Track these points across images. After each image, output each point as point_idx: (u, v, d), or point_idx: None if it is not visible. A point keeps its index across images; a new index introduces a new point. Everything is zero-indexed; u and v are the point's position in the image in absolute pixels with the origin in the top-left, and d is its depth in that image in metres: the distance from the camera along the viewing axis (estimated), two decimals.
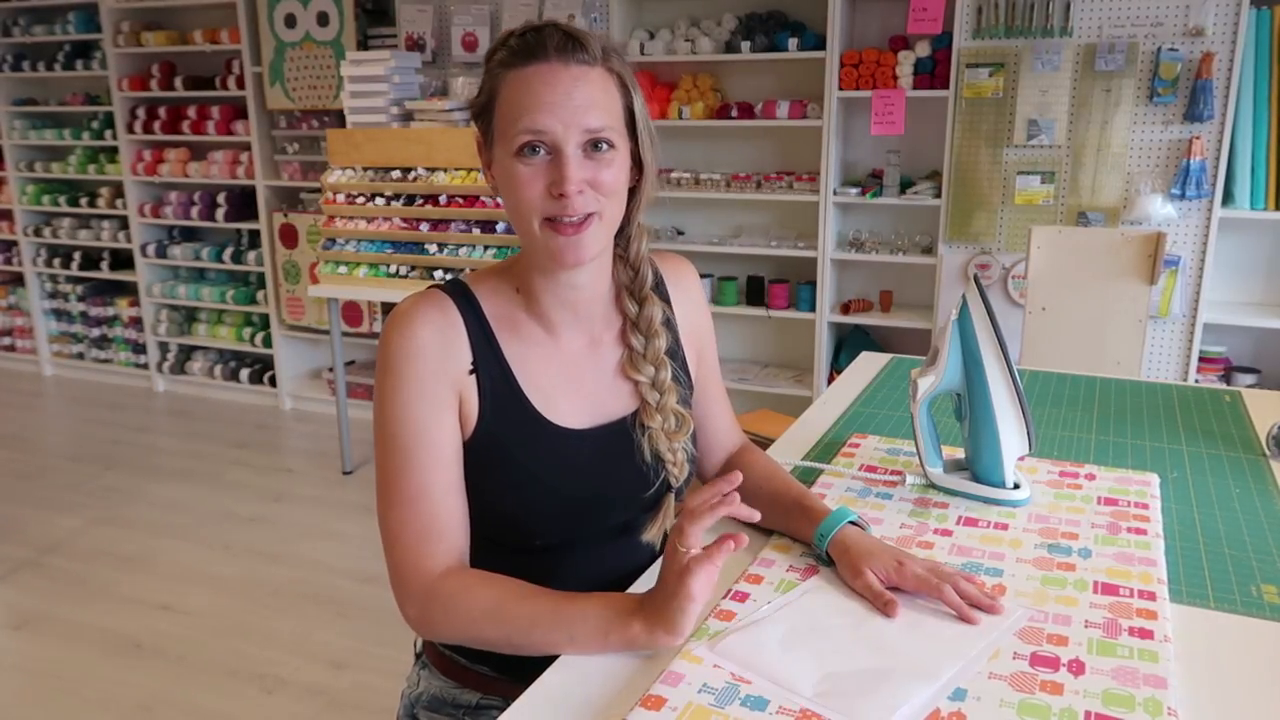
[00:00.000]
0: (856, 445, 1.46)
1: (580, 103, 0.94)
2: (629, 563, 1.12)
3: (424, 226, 3.55)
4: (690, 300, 1.18)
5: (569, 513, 1.06)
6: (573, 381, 1.07)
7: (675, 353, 1.13)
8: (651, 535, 1.12)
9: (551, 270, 1.02)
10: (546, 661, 0.92)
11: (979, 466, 1.25)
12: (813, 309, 3.63)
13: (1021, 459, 1.27)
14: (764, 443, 2.23)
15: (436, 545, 0.99)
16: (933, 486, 1.28)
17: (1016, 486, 1.24)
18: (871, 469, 1.36)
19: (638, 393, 1.09)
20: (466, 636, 0.98)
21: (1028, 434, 1.21)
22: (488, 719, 1.13)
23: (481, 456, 1.03)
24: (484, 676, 1.14)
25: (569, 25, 0.97)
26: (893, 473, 1.33)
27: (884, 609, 0.96)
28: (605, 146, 0.96)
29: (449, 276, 3.47)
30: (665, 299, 1.13)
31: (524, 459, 1.03)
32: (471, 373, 1.01)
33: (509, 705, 1.14)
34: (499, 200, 1.04)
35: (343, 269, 3.67)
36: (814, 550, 1.08)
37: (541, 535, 1.07)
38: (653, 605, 0.90)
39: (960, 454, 1.30)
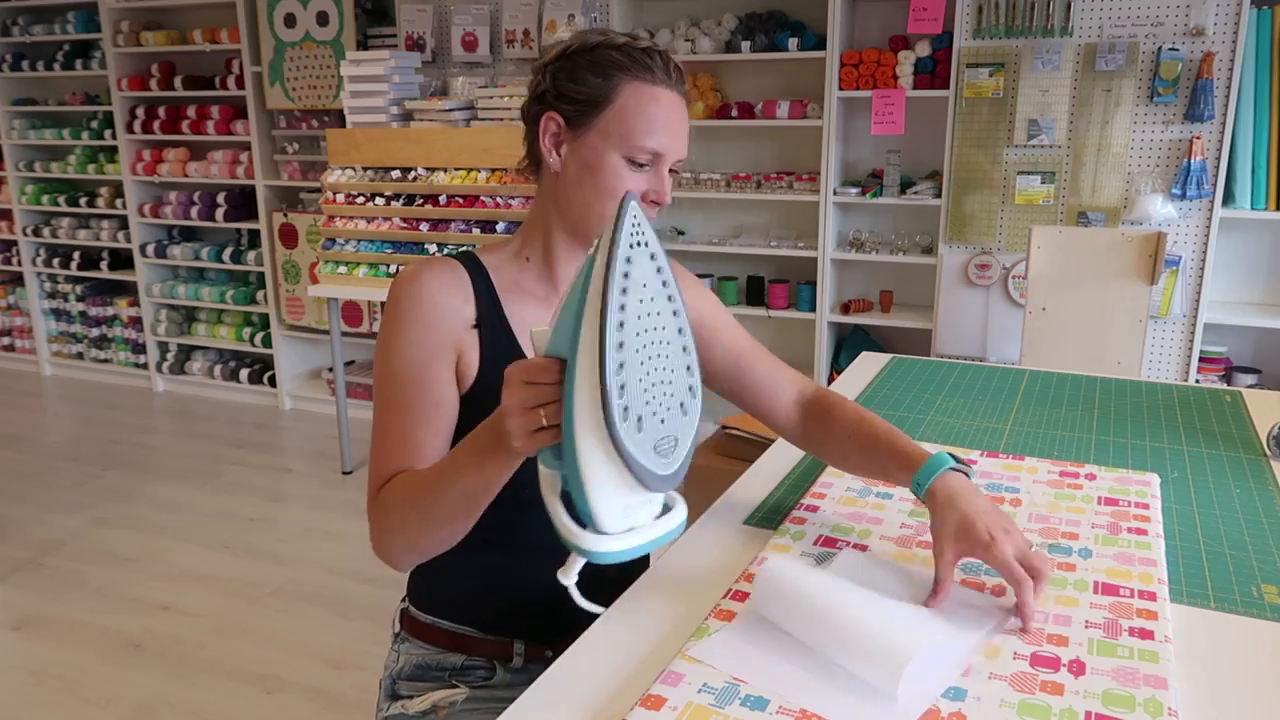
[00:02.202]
0: None
1: (682, 134, 1.10)
2: None
3: (424, 226, 3.54)
4: (687, 283, 1.27)
5: None
6: None
7: None
8: None
9: (589, 246, 1.13)
10: (527, 618, 1.00)
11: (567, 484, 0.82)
12: (813, 309, 3.62)
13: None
14: (764, 442, 2.23)
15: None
16: None
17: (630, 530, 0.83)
18: None
19: None
20: (403, 540, 1.01)
21: (628, 465, 0.76)
22: (473, 678, 1.17)
23: (476, 410, 1.07)
24: (468, 637, 1.18)
25: (673, 56, 1.10)
26: None
27: (931, 596, 0.98)
28: (675, 170, 1.12)
29: None
30: None
31: None
32: (474, 328, 1.09)
33: (493, 664, 1.17)
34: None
35: (342, 269, 3.67)
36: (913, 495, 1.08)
37: (530, 486, 1.07)
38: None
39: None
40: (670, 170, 1.10)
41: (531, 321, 1.12)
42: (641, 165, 1.07)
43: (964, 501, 0.99)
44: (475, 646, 1.18)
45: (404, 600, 1.25)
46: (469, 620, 1.18)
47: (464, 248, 1.20)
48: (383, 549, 1.04)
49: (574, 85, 1.06)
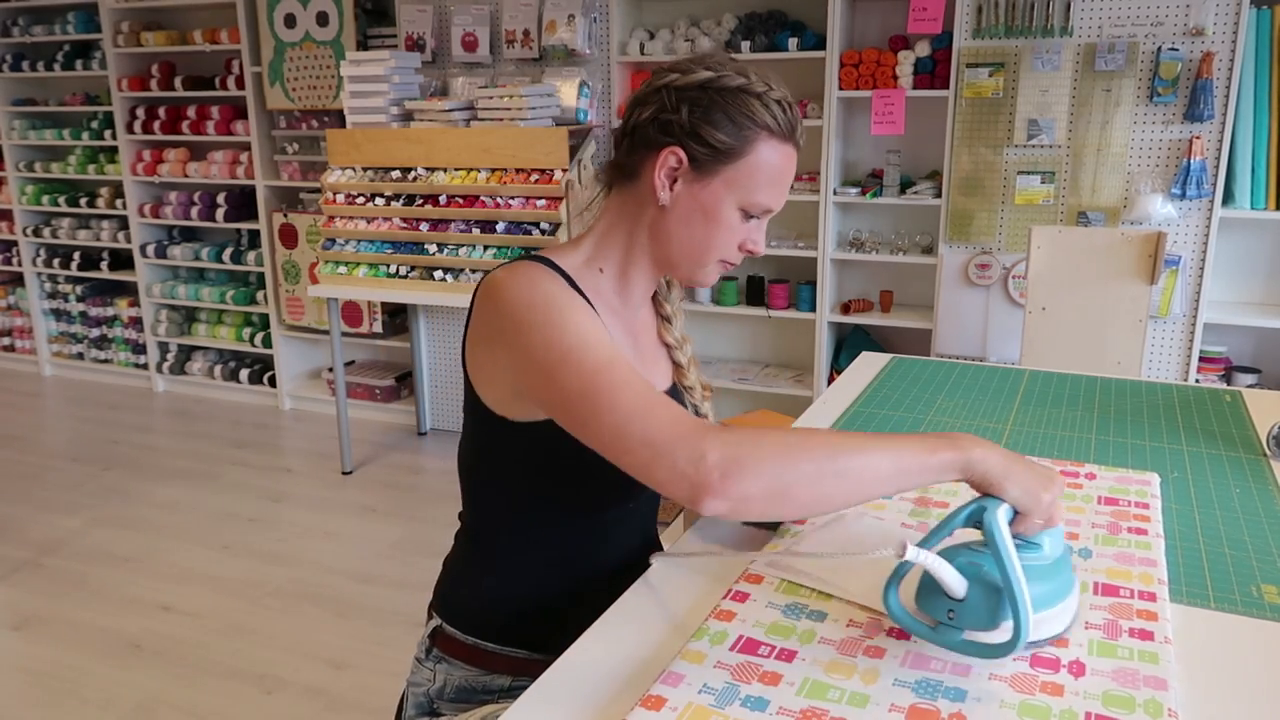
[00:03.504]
0: None
1: (789, 186, 1.12)
2: (651, 527, 1.26)
3: (424, 226, 3.55)
4: None
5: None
6: (639, 352, 1.17)
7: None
8: None
9: (662, 276, 1.18)
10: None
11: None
12: (813, 309, 3.62)
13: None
14: None
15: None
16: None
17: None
18: None
19: (671, 359, 1.22)
20: (780, 467, 0.86)
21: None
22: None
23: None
24: (516, 659, 1.15)
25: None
26: None
27: None
28: None
29: (449, 277, 3.50)
30: None
31: None
32: None
33: None
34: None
35: (342, 269, 3.67)
36: None
37: (615, 503, 1.13)
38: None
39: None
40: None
41: (616, 332, 1.10)
42: (752, 217, 1.08)
43: None
44: (524, 668, 1.14)
45: (433, 617, 1.21)
46: (517, 642, 1.15)
47: (533, 251, 1.13)
48: (746, 469, 0.84)
49: (711, 129, 1.03)
